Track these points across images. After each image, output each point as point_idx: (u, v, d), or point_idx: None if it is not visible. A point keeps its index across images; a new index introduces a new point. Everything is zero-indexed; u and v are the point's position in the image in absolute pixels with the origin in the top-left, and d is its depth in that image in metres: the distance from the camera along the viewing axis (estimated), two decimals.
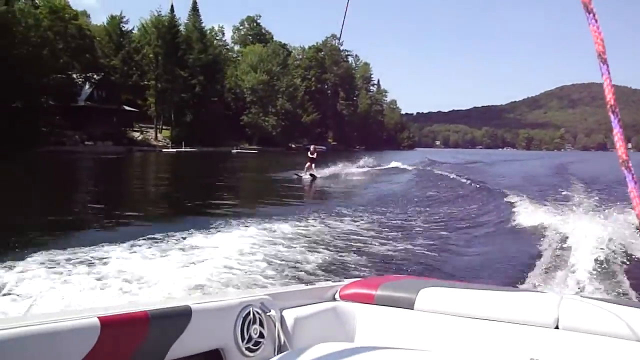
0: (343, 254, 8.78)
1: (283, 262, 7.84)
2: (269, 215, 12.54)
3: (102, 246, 8.27)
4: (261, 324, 2.13)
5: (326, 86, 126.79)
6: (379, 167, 38.55)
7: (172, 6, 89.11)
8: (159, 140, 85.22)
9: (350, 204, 16.21)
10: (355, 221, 12.66)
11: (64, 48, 66.07)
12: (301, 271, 7.45)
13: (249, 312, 2.09)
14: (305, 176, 28.22)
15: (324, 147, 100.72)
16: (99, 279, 6.43)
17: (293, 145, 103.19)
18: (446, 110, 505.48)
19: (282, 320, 2.26)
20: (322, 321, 2.45)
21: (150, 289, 6.07)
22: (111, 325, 1.59)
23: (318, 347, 1.55)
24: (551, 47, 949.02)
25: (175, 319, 1.81)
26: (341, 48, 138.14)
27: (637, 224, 1.28)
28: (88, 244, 8.43)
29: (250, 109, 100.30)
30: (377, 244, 9.98)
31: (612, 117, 0.93)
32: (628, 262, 8.29)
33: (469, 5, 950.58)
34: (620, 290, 6.83)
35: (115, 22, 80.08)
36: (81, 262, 7.24)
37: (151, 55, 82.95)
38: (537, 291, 4.26)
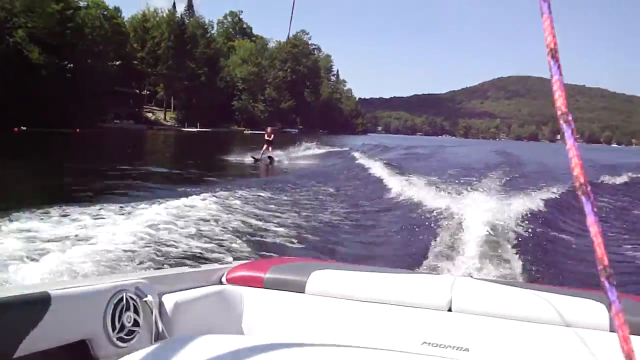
0: (232, 235, 8.36)
1: (164, 243, 7.24)
2: (172, 194, 12.33)
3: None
4: (136, 311, 2.00)
5: (297, 76, 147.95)
6: (322, 150, 37.76)
7: (174, 3, 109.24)
8: (167, 121, 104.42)
9: (253, 184, 15.89)
10: (252, 201, 12.14)
11: (106, 42, 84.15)
12: (184, 253, 6.99)
13: (122, 297, 1.96)
14: (262, 157, 28.26)
15: (295, 130, 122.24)
16: None
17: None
18: (387, 97, 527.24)
19: (161, 306, 2.14)
20: (206, 306, 2.37)
21: (4, 275, 5.38)
22: None
23: (200, 340, 1.39)
24: (491, 39, 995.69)
25: (30, 308, 1.64)
26: (309, 42, 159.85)
27: (574, 184, 0.79)
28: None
29: (241, 96, 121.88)
30: (269, 224, 9.67)
31: (551, 62, 0.88)
32: (520, 244, 8.39)
33: None
34: (511, 271, 6.97)
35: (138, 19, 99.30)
36: None
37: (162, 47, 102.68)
38: (431, 273, 4.77)
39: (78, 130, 61.21)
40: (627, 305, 0.92)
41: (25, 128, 54.97)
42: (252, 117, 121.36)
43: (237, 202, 11.61)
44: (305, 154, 33.87)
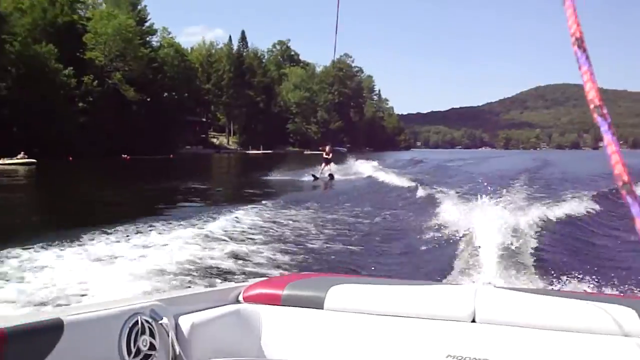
0: (248, 253, 8.49)
1: (179, 264, 7.38)
2: (185, 215, 12.47)
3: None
4: (152, 334, 2.00)
5: (343, 98, 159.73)
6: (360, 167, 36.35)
7: (230, 37, 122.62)
8: (230, 145, 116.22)
9: (270, 200, 16.21)
10: (267, 217, 12.41)
11: (181, 77, 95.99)
12: (199, 273, 7.08)
13: (137, 321, 1.96)
14: (323, 176, 28.88)
15: (344, 149, 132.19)
16: None
17: (320, 148, 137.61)
18: (425, 112, 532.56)
19: (177, 328, 2.15)
20: (224, 326, 2.37)
21: (17, 303, 5.57)
22: None
23: None
24: (527, 48, 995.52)
25: (42, 336, 1.64)
26: (352, 64, 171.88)
27: (617, 183, 0.90)
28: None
29: (295, 119, 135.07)
30: (285, 241, 9.82)
31: (578, 52, 0.82)
32: (544, 251, 8.48)
33: (445, 6, 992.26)
34: (530, 279, 6.92)
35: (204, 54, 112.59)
36: None
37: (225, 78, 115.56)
38: (452, 284, 4.72)
39: (172, 155, 72.78)
40: None
41: (128, 156, 65.84)
42: (305, 138, 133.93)
43: (259, 220, 12.19)
44: (349, 171, 33.77)
